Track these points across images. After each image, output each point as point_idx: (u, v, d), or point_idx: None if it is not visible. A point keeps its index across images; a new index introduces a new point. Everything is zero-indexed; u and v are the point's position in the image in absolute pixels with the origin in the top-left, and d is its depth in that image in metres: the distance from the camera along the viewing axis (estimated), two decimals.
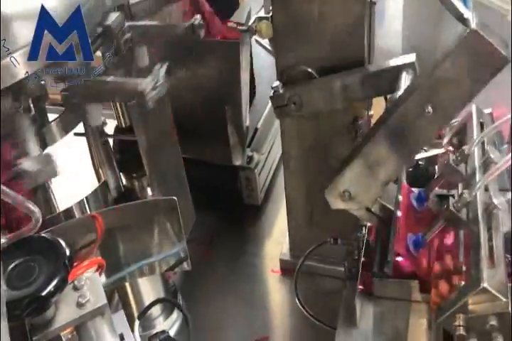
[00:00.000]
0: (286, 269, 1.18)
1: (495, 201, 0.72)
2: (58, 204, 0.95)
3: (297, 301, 0.92)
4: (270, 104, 1.40)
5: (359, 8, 0.90)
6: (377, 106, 1.09)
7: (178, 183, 1.03)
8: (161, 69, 0.81)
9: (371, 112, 1.05)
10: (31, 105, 0.87)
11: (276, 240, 1.27)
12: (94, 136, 0.93)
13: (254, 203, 1.35)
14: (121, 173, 1.01)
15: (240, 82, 1.25)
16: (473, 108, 0.92)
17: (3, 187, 0.65)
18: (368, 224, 0.86)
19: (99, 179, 0.98)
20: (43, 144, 0.99)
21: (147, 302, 0.99)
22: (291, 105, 1.00)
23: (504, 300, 0.63)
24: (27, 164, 0.70)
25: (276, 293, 1.20)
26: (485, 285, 0.63)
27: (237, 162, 1.32)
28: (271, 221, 1.33)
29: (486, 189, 0.75)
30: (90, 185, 0.97)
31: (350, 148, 1.03)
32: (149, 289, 1.03)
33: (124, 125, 0.97)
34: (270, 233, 1.31)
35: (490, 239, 0.69)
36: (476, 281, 0.64)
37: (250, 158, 1.33)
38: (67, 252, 0.61)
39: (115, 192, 0.98)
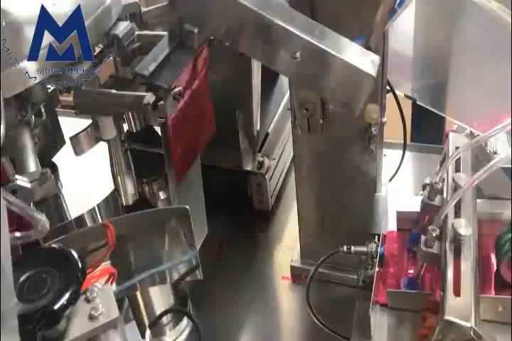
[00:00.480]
0: (297, 276, 1.17)
1: (461, 232, 0.71)
2: (72, 211, 0.95)
3: (310, 311, 0.91)
4: (281, 108, 1.42)
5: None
6: (391, 114, 1.08)
7: (196, 197, 1.03)
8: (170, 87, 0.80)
9: (384, 119, 1.04)
10: (42, 111, 0.87)
11: (287, 246, 1.26)
12: (116, 143, 0.93)
13: (264, 209, 1.34)
14: None
15: (252, 86, 1.24)
16: (451, 135, 0.90)
17: (9, 196, 0.64)
18: (382, 233, 0.86)
19: (116, 186, 0.98)
20: (54, 151, 0.99)
21: (157, 308, 0.99)
22: (304, 111, 1.00)
23: (467, 325, 0.62)
24: (23, 180, 0.69)
25: (287, 300, 1.19)
26: (447, 317, 0.63)
27: (248, 167, 1.31)
28: (281, 227, 1.32)
29: (459, 216, 0.75)
30: (104, 191, 0.97)
31: (362, 155, 1.03)
32: (159, 295, 1.02)
33: (134, 130, 0.97)
34: (280, 239, 1.30)
35: (457, 268, 0.69)
36: (441, 314, 0.64)
37: (261, 163, 1.32)
38: (80, 264, 0.61)
39: (132, 200, 0.98)
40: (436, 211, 0.78)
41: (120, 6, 0.82)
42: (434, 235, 0.73)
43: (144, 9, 0.91)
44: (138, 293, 0.98)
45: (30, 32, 0.71)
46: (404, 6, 0.95)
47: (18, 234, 0.59)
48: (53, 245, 0.66)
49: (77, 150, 0.84)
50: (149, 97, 0.80)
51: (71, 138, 0.83)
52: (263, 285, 1.20)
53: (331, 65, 0.70)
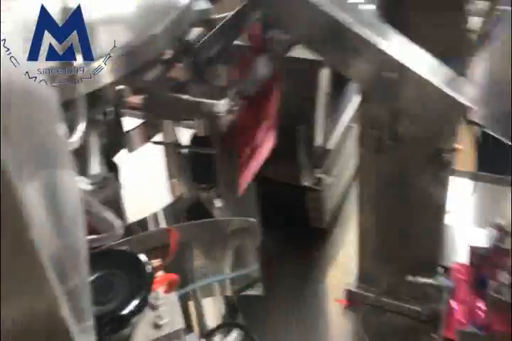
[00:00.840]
0: (352, 300, 1.13)
1: None
2: (130, 213, 0.94)
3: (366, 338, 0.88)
4: (344, 124, 1.40)
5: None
6: (464, 139, 1.05)
7: (249, 202, 1.01)
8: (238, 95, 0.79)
9: (457, 146, 1.00)
10: (110, 111, 0.87)
11: (342, 266, 1.23)
12: (170, 146, 0.93)
13: (320, 226, 1.31)
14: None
15: (316, 101, 1.22)
16: None
17: (90, 198, 0.63)
18: (450, 266, 0.82)
19: (172, 189, 0.98)
20: (116, 151, 0.99)
21: (207, 317, 0.97)
22: (372, 130, 0.97)
23: None
24: (85, 182, 0.69)
25: (339, 324, 1.15)
26: None
27: (306, 182, 1.29)
28: (337, 246, 1.30)
29: None
30: (164, 194, 0.96)
31: (432, 181, 0.99)
32: (211, 304, 1.00)
33: (201, 134, 0.96)
34: (336, 259, 1.27)
35: None
36: None
37: (319, 180, 1.29)
38: (149, 270, 0.59)
39: (187, 204, 0.97)
40: (507, 255, 0.74)
41: (193, 12, 0.82)
42: (505, 282, 0.69)
43: (216, 16, 0.90)
44: (190, 302, 0.97)
45: (102, 33, 0.72)
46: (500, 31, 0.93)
47: (91, 236, 0.59)
48: (122, 248, 0.64)
49: (129, 147, 0.84)
50: (222, 105, 0.79)
51: (124, 135, 0.83)
52: (315, 306, 1.17)
53: (423, 90, 0.67)
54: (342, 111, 1.41)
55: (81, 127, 0.66)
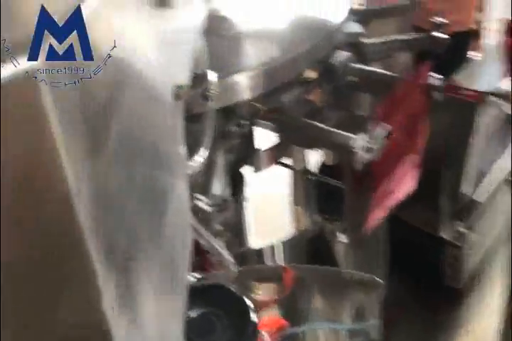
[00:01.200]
0: None
1: None
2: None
3: None
4: (502, 176, 1.25)
5: None
6: None
7: (376, 244, 0.93)
8: (381, 132, 0.71)
9: None
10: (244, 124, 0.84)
11: (475, 337, 1.08)
12: (298, 172, 0.88)
13: (456, 286, 1.18)
14: None
15: (469, 147, 1.11)
16: None
17: (204, 232, 0.59)
18: None
19: (296, 215, 0.92)
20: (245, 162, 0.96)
21: None
22: None
23: None
24: (204, 202, 0.64)
25: None
26: None
27: (445, 235, 1.17)
28: (472, 312, 1.15)
29: None
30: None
31: None
32: None
33: (331, 162, 0.90)
34: (468, 327, 1.12)
35: None
36: None
37: (461, 235, 1.17)
38: (255, 318, 0.52)
39: (309, 234, 0.91)
40: None
41: (342, 34, 0.76)
42: None
43: (366, 40, 0.83)
44: None
45: (248, 45, 0.69)
46: None
47: (196, 275, 0.54)
48: (229, 286, 0.58)
49: (256, 167, 0.79)
50: (359, 140, 0.72)
51: (254, 152, 0.78)
52: None
53: None
54: (499, 161, 1.27)
55: (203, 153, 0.61)
